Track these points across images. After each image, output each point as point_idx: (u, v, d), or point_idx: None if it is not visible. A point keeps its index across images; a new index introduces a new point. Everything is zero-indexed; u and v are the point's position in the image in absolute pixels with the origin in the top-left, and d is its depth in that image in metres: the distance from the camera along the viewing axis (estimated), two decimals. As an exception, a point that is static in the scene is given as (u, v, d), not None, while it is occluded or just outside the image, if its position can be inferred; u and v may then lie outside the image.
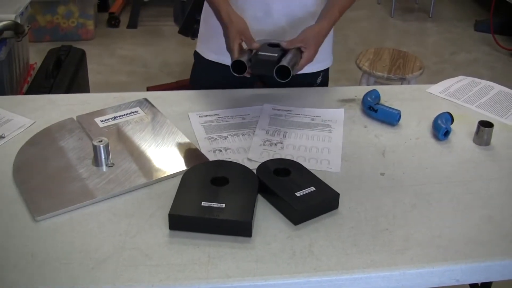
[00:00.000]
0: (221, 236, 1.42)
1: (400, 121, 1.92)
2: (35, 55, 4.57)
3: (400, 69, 3.80)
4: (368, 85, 3.91)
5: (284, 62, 1.77)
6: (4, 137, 1.85)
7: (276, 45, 1.89)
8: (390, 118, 1.91)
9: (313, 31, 1.91)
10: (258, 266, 1.34)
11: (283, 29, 2.10)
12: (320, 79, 2.29)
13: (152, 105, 1.97)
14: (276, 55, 1.83)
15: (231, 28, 1.86)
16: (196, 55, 2.30)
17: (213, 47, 2.19)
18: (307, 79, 2.18)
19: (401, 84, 3.77)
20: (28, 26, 3.76)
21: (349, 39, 6.02)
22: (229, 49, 1.87)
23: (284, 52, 1.86)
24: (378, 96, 2.00)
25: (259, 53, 1.85)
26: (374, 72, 3.80)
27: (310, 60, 1.88)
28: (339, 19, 2.00)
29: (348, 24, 6.17)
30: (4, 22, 3.38)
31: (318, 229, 1.46)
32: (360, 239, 1.43)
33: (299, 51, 1.87)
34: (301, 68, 1.88)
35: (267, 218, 1.50)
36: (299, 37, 1.89)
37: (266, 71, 1.81)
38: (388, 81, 3.84)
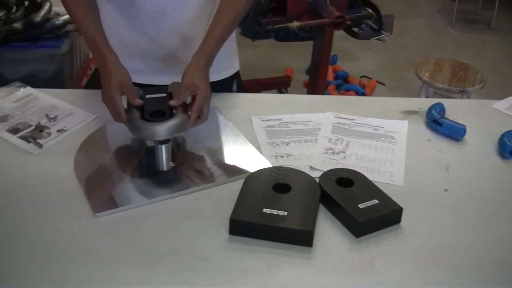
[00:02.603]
0: (281, 244, 1.41)
1: (465, 137, 1.88)
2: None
3: (461, 81, 3.76)
4: (427, 95, 3.88)
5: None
6: (66, 131, 1.85)
7: (160, 111, 1.68)
8: (455, 133, 1.88)
9: (193, 69, 1.74)
10: (318, 277, 1.33)
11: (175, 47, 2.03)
12: (236, 86, 2.23)
13: (215, 107, 1.96)
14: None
15: (115, 79, 1.68)
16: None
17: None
18: (221, 86, 2.10)
19: (461, 96, 3.72)
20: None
21: (407, 48, 5.97)
22: (111, 101, 1.69)
23: (171, 113, 1.68)
24: (443, 110, 1.96)
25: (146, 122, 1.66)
26: (434, 83, 3.77)
27: (206, 98, 1.71)
28: (229, 33, 1.90)
29: (407, 32, 6.11)
30: (67, 16, 3.41)
31: (380, 243, 1.43)
32: (421, 256, 1.40)
33: (185, 108, 1.71)
34: (205, 113, 1.71)
35: (328, 228, 1.47)
36: (182, 85, 1.70)
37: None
38: (448, 93, 3.80)
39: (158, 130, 1.62)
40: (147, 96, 1.69)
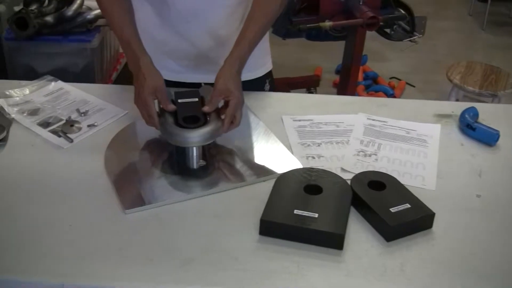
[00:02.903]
0: (311, 246, 1.40)
1: (498, 142, 1.85)
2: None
3: (492, 85, 3.72)
4: (457, 98, 3.85)
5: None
6: (96, 126, 1.85)
7: (193, 116, 1.67)
8: (489, 138, 1.85)
9: (225, 74, 1.71)
10: (348, 281, 1.31)
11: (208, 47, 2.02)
12: (268, 86, 2.22)
13: (246, 106, 1.95)
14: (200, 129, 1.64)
15: (149, 82, 1.67)
16: None
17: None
18: (253, 85, 2.09)
19: (492, 100, 3.69)
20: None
21: (438, 50, 5.92)
22: (144, 105, 1.68)
23: (204, 118, 1.67)
24: (476, 114, 1.94)
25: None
26: (465, 87, 3.73)
27: (239, 103, 1.69)
28: (261, 36, 1.86)
29: (437, 34, 6.07)
30: (99, 10, 3.42)
31: (411, 248, 1.42)
32: (453, 262, 1.39)
33: (218, 113, 1.70)
34: (238, 118, 1.69)
35: (358, 231, 1.46)
36: (215, 91, 1.68)
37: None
38: (478, 96, 3.77)
39: (191, 137, 1.62)
40: (179, 101, 1.69)
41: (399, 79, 5.25)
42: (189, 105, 1.69)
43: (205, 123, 1.64)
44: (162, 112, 1.69)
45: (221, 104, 1.70)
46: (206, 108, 1.66)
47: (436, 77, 5.12)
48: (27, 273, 1.32)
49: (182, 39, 1.99)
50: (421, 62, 5.65)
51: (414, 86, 5.20)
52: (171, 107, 1.67)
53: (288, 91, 4.17)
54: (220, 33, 1.99)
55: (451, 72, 3.92)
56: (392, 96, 4.84)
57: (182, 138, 1.62)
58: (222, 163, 1.70)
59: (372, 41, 4.76)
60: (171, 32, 1.97)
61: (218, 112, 1.69)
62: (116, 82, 3.98)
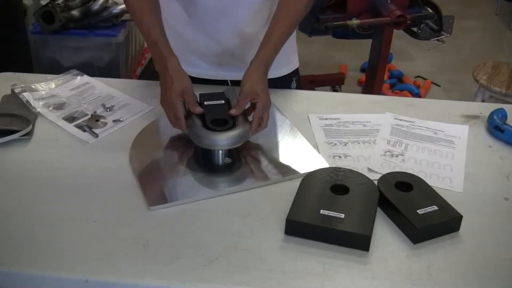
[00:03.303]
0: (337, 247, 1.38)
1: (527, 144, 1.83)
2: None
3: (519, 86, 3.69)
4: (483, 99, 3.82)
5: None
6: (122, 121, 1.85)
7: (221, 119, 1.67)
8: (517, 140, 1.83)
9: (252, 76, 1.70)
10: (374, 283, 1.30)
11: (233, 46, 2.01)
12: (295, 84, 2.20)
13: (272, 104, 1.93)
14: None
15: (176, 84, 1.67)
16: None
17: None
18: (280, 83, 2.07)
19: (518, 102, 3.65)
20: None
21: (463, 50, 5.87)
22: (171, 107, 1.68)
23: (232, 121, 1.67)
24: (505, 115, 1.91)
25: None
26: (491, 87, 3.70)
27: (266, 106, 1.69)
28: (288, 37, 1.83)
29: (463, 34, 6.02)
30: (124, 5, 3.44)
31: (438, 251, 1.40)
32: (480, 267, 1.36)
33: (245, 116, 1.70)
34: (265, 120, 1.69)
35: (385, 233, 1.44)
36: (241, 94, 1.68)
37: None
38: (505, 97, 3.73)
39: (220, 140, 1.61)
40: (205, 103, 1.69)
41: (424, 78, 5.21)
42: (216, 107, 1.69)
43: (233, 126, 1.64)
44: (188, 115, 1.68)
45: (247, 105, 1.70)
46: (233, 111, 1.66)
47: (462, 77, 5.09)
48: (51, 268, 1.32)
49: (208, 36, 1.98)
50: (446, 61, 5.61)
51: (439, 86, 5.16)
52: (199, 109, 1.67)
53: (312, 89, 4.16)
54: (246, 30, 1.98)
55: (477, 72, 3.88)
56: (417, 95, 4.81)
57: (210, 141, 1.62)
58: (248, 161, 1.69)
59: (397, 39, 4.73)
60: (197, 29, 1.97)
61: (245, 114, 1.69)
62: (141, 77, 4.00)
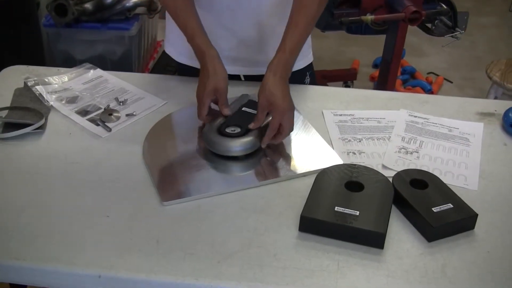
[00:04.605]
0: (351, 244, 1.38)
1: (542, 142, 1.82)
2: (163, 31, 4.60)
3: (534, 83, 3.66)
4: (496, 96, 3.80)
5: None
6: (135, 115, 1.85)
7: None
8: (533, 138, 1.82)
9: (267, 86, 1.66)
10: (389, 281, 1.29)
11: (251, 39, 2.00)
12: (309, 79, 2.18)
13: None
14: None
15: (211, 81, 1.71)
16: (167, 56, 2.20)
17: (184, 51, 2.04)
18: (294, 77, 2.01)
19: (532, 99, 3.62)
20: (161, 4, 3.79)
21: (477, 47, 5.84)
22: (200, 103, 1.73)
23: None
24: (520, 113, 1.90)
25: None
26: (505, 84, 3.67)
27: (284, 112, 1.65)
28: (305, 39, 1.79)
29: (477, 30, 5.98)
30: (138, -2, 3.44)
31: (452, 249, 1.39)
32: (495, 266, 1.35)
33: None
34: (285, 126, 1.67)
35: (399, 230, 1.43)
36: (258, 107, 1.68)
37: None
38: (519, 95, 3.70)
39: (232, 146, 1.64)
40: (243, 109, 1.74)
41: (437, 75, 5.18)
42: (249, 116, 1.71)
43: (246, 132, 1.66)
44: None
45: (267, 119, 1.70)
46: (251, 126, 1.67)
47: (475, 74, 5.06)
48: (63, 263, 1.31)
49: (225, 28, 1.97)
50: (459, 58, 5.57)
51: (451, 82, 5.14)
52: (226, 111, 1.70)
53: (325, 84, 4.14)
54: (263, 22, 1.96)
55: (491, 69, 3.85)
56: (430, 91, 4.78)
57: (222, 147, 1.64)
58: (262, 157, 1.68)
59: (410, 35, 4.71)
60: (214, 21, 1.95)
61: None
62: (153, 70, 3.99)
